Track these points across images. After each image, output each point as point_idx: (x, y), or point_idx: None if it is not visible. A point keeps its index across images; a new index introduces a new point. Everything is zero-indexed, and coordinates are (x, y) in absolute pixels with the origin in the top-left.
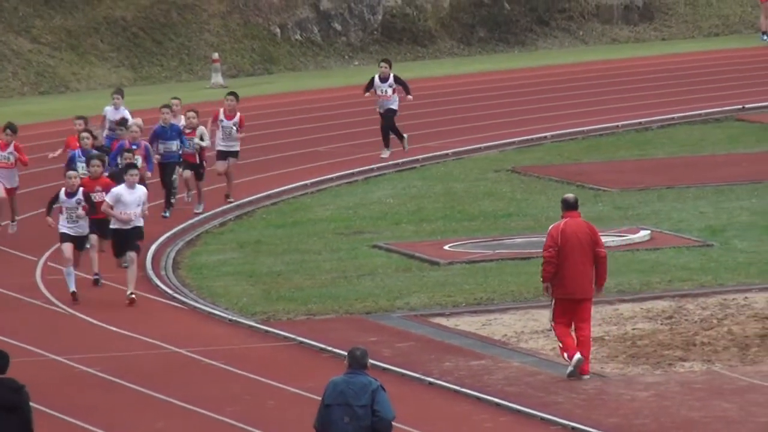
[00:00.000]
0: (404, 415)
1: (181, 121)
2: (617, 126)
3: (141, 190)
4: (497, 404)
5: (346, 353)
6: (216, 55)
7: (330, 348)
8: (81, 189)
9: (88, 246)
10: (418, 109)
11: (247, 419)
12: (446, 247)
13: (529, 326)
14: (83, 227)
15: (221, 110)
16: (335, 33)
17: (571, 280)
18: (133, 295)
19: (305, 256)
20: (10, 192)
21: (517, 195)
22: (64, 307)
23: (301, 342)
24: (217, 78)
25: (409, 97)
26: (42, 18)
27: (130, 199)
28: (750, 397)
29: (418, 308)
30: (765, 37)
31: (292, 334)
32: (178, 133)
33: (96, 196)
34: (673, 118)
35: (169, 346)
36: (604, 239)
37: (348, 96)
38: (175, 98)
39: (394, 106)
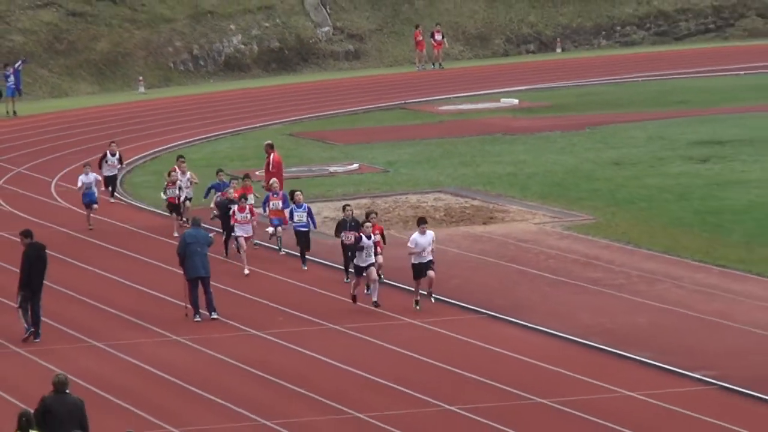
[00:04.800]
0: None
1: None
2: (338, 112)
3: (431, 235)
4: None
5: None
6: (141, 78)
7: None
8: (373, 234)
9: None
10: (242, 103)
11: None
12: (257, 172)
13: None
14: (370, 259)
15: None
16: (201, 66)
17: None
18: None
19: None
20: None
21: (293, 147)
22: (65, 203)
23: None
24: (141, 89)
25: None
26: (54, 60)
27: (423, 242)
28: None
29: None
30: (417, 67)
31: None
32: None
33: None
34: (369, 108)
35: (115, 220)
36: (336, 169)
37: (206, 99)
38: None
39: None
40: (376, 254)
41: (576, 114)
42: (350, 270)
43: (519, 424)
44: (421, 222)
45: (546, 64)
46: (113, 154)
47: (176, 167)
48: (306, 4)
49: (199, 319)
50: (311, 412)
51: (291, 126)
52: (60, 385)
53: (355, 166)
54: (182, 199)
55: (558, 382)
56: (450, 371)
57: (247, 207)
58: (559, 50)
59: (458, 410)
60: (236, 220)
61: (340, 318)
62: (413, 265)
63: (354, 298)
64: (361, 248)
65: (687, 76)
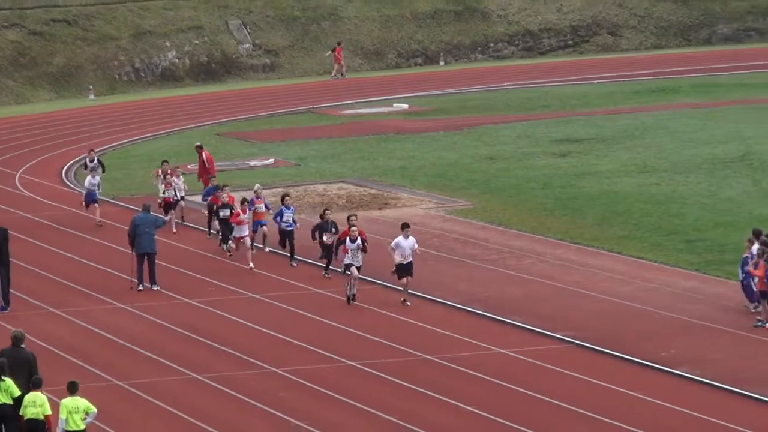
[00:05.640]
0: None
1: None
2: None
3: (413, 240)
4: None
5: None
6: (91, 87)
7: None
8: (359, 237)
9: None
10: (176, 108)
11: None
12: (189, 166)
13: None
14: (359, 261)
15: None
16: (142, 77)
17: None
18: (408, 302)
19: (137, 171)
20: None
21: (220, 145)
22: (28, 192)
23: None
24: (91, 96)
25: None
26: (18, 72)
27: (405, 245)
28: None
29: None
30: (333, 76)
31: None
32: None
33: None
34: (283, 112)
35: (70, 207)
36: (255, 163)
37: (146, 105)
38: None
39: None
40: (364, 252)
41: (456, 117)
42: (331, 267)
43: (411, 377)
44: (405, 227)
45: (431, 75)
46: (92, 161)
47: (160, 170)
48: (229, 24)
49: (141, 289)
50: (235, 367)
51: (218, 127)
52: (16, 340)
53: (271, 160)
54: (176, 198)
55: (443, 341)
56: (351, 332)
57: (248, 210)
58: (442, 63)
59: (359, 366)
60: (238, 221)
61: (260, 288)
62: (397, 265)
63: (348, 300)
64: (347, 249)
65: (549, 84)
